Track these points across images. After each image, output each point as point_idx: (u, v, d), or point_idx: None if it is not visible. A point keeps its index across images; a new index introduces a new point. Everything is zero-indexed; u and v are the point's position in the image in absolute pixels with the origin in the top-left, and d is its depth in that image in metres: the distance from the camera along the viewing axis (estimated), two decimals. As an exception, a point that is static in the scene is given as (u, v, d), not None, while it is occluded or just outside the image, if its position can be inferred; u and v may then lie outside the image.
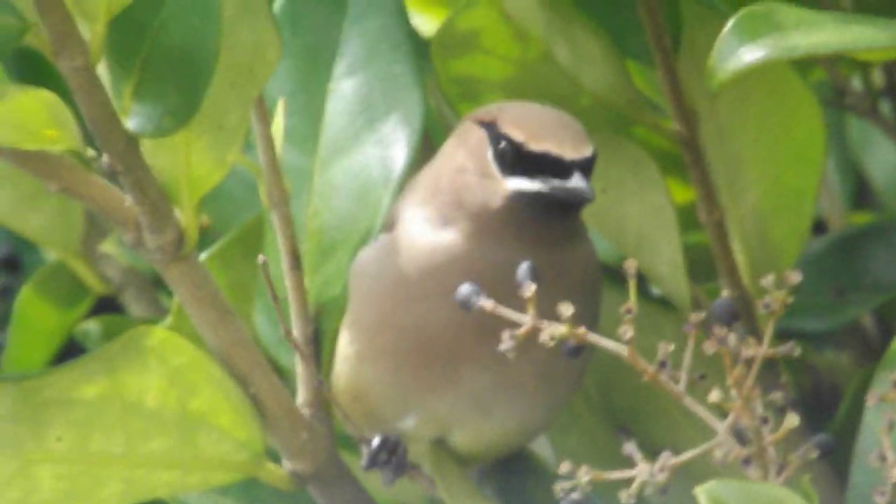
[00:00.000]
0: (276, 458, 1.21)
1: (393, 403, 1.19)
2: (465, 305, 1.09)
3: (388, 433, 1.19)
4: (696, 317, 1.06)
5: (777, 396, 1.06)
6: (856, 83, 1.43)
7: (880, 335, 1.48)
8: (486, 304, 1.08)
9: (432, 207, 1.18)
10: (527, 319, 1.06)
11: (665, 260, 1.29)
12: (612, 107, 1.28)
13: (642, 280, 1.32)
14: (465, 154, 1.18)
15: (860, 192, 1.57)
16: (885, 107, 1.47)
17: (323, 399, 1.21)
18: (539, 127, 1.16)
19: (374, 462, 1.19)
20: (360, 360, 1.18)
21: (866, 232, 1.39)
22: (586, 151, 1.16)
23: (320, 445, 1.20)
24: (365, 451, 1.20)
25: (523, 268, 1.09)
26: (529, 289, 1.07)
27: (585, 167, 1.16)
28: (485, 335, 1.14)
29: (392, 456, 1.19)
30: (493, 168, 1.17)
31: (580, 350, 1.06)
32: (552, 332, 1.06)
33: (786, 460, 1.04)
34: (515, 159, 1.16)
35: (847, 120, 1.55)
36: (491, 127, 1.17)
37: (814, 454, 1.05)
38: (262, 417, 1.19)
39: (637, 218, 1.30)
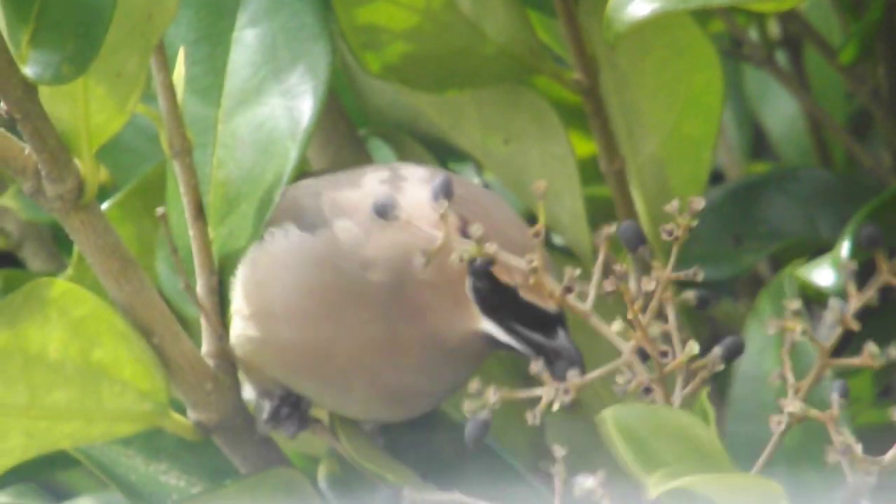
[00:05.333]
0: (181, 409, 1.21)
1: (289, 385, 1.19)
2: (382, 213, 1.08)
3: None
4: (606, 230, 1.06)
5: (668, 327, 1.06)
6: (753, 34, 1.45)
7: (777, 283, 1.51)
8: (403, 216, 1.07)
9: (369, 242, 1.14)
10: (440, 235, 1.06)
11: (567, 209, 1.31)
12: (515, 56, 1.28)
13: (545, 229, 1.33)
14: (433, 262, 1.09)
15: (758, 143, 1.60)
16: (781, 57, 1.49)
17: (228, 349, 1.21)
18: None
19: (275, 417, 1.19)
20: (258, 347, 1.17)
21: (763, 180, 1.41)
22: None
23: (225, 396, 1.20)
24: (266, 406, 1.20)
25: (437, 182, 1.08)
26: (442, 205, 1.07)
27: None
28: (383, 357, 1.14)
29: (295, 409, 1.20)
30: (471, 301, 1.12)
31: (490, 264, 1.05)
32: (463, 250, 1.06)
33: (691, 368, 1.05)
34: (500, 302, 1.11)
35: (745, 71, 1.57)
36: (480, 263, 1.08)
37: (720, 364, 1.06)
38: (166, 368, 1.18)
39: (539, 168, 1.31)
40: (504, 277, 1.10)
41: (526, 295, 1.10)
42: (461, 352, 1.14)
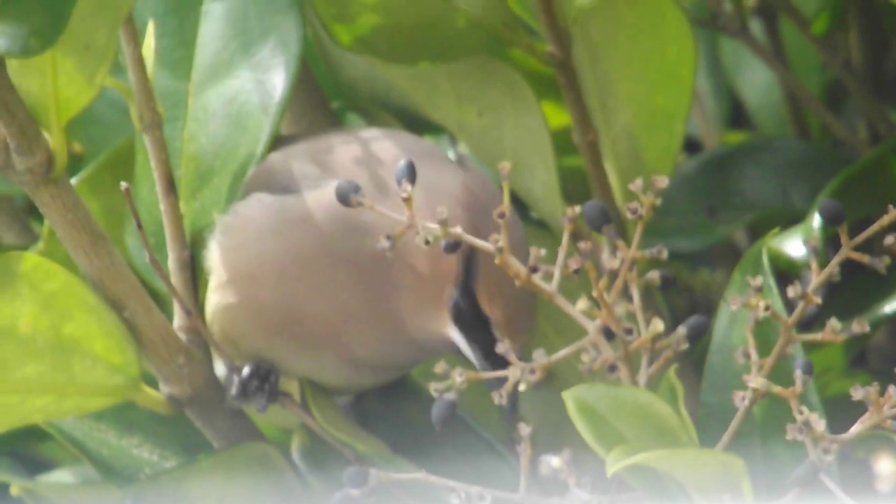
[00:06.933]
0: (153, 383, 1.21)
1: (264, 355, 1.19)
2: (344, 200, 1.08)
3: (260, 362, 1.19)
4: (571, 211, 1.06)
5: (633, 307, 1.07)
6: (727, 4, 1.44)
7: (753, 254, 1.51)
8: (365, 201, 1.07)
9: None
10: (404, 219, 1.06)
11: (540, 182, 1.30)
12: (488, 28, 1.28)
13: (520, 203, 1.33)
14: (416, 259, 1.13)
15: (735, 113, 1.59)
16: (756, 27, 1.49)
17: (199, 324, 1.20)
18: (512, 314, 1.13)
19: (244, 390, 1.19)
20: (234, 313, 1.18)
21: (737, 151, 1.41)
22: None
23: (197, 369, 1.20)
24: (236, 380, 1.19)
25: (402, 165, 1.08)
26: (406, 189, 1.07)
27: None
28: (353, 324, 1.15)
29: (264, 383, 1.19)
30: (446, 307, 1.14)
31: (457, 245, 1.07)
32: (427, 232, 1.06)
33: (655, 347, 1.05)
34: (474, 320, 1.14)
35: (721, 41, 1.56)
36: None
37: (684, 343, 1.06)
38: (138, 342, 1.18)
39: (513, 141, 1.30)
40: (485, 306, 1.13)
41: (497, 331, 1.12)
42: (423, 341, 1.16)
